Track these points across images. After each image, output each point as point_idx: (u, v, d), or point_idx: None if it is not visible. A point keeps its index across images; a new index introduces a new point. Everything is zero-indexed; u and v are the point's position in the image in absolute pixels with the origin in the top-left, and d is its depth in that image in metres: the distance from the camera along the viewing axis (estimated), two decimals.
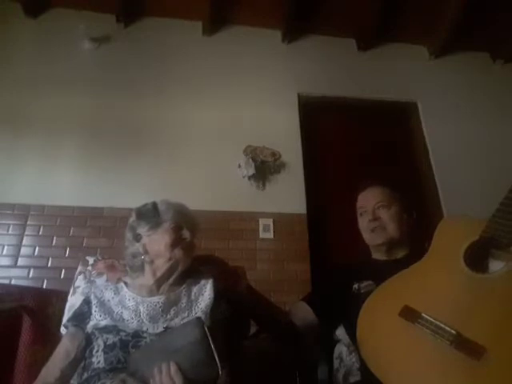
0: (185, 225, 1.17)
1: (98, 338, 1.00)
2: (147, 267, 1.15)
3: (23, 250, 2.24)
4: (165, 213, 1.17)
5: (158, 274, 1.12)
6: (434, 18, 3.05)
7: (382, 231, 1.33)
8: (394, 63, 3.20)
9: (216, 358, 0.85)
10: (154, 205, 1.19)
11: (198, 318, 0.96)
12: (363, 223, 1.40)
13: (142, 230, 1.17)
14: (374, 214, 1.35)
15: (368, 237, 1.38)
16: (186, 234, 1.16)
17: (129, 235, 1.19)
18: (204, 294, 1.12)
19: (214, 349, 0.85)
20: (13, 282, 2.15)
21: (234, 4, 2.95)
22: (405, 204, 1.39)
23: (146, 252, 1.15)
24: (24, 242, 2.26)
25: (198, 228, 1.23)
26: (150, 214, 1.18)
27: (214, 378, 0.85)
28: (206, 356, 0.85)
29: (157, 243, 1.14)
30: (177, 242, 1.13)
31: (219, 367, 0.84)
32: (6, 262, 2.21)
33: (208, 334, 0.88)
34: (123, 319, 1.03)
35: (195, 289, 1.14)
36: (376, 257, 1.39)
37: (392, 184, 1.44)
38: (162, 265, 1.12)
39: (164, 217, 1.16)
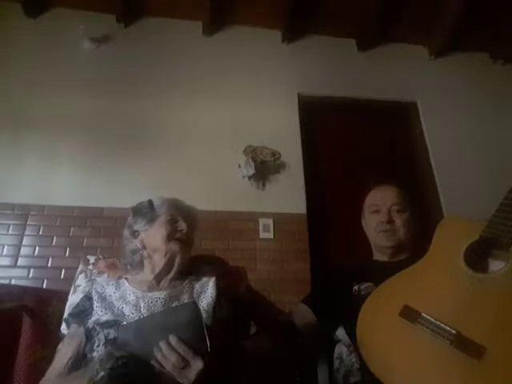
0: (181, 216, 1.19)
1: (98, 333, 1.00)
2: (146, 262, 1.16)
3: (23, 250, 2.24)
4: (160, 207, 1.20)
5: (157, 269, 1.13)
6: (433, 18, 3.05)
7: (393, 235, 1.31)
8: (394, 63, 3.20)
9: (206, 336, 0.87)
10: (150, 201, 1.22)
11: (193, 301, 0.98)
12: (372, 222, 1.36)
13: (139, 225, 1.19)
14: (389, 216, 1.31)
15: (376, 237, 1.35)
16: (182, 225, 1.17)
17: (126, 233, 1.22)
18: (206, 291, 1.12)
19: (205, 329, 0.87)
20: (13, 282, 2.15)
21: (234, 4, 2.95)
22: (415, 209, 1.36)
23: (144, 247, 1.17)
24: (24, 242, 2.26)
25: (195, 220, 1.24)
26: (145, 210, 1.20)
27: (203, 353, 0.86)
28: (198, 334, 0.88)
29: (153, 237, 1.16)
30: (173, 233, 1.15)
31: (208, 345, 0.86)
32: (5, 262, 2.21)
33: (202, 315, 0.91)
34: (124, 314, 1.04)
35: (197, 286, 1.14)
36: (378, 258, 1.38)
37: (406, 187, 1.40)
38: (159, 259, 1.14)
39: (159, 211, 1.19)
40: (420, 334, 0.85)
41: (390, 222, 1.31)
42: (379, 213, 1.34)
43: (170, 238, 1.14)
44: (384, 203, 1.35)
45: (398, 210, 1.33)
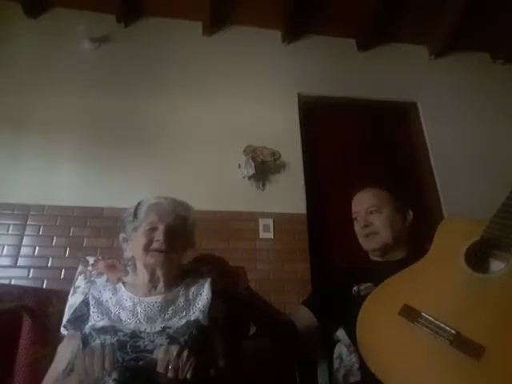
0: (162, 224, 1.14)
1: (95, 340, 0.99)
2: (139, 268, 1.16)
3: (23, 250, 2.24)
4: (142, 215, 1.17)
5: (147, 277, 1.13)
6: (433, 18, 3.05)
7: (374, 237, 1.33)
8: (394, 63, 3.20)
9: None
10: (136, 207, 1.19)
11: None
12: (357, 229, 1.40)
13: (128, 234, 1.19)
14: (365, 220, 1.35)
15: (362, 242, 1.39)
16: (159, 234, 1.12)
17: (120, 239, 1.22)
18: (202, 293, 1.12)
19: None
20: (13, 282, 2.15)
21: (234, 4, 2.95)
22: (397, 205, 1.38)
23: (133, 256, 1.18)
24: (24, 242, 2.26)
25: (181, 217, 1.19)
26: (130, 218, 1.19)
27: None
28: None
29: (135, 247, 1.15)
30: (149, 244, 1.12)
31: None
32: (5, 262, 2.20)
33: None
34: (121, 320, 1.03)
35: (193, 288, 1.14)
36: (374, 258, 1.40)
37: (383, 184, 1.43)
38: (144, 270, 1.13)
39: (140, 219, 1.16)
40: (420, 334, 0.85)
41: (368, 225, 1.34)
42: (359, 219, 1.38)
43: (146, 249, 1.12)
44: (361, 209, 1.38)
45: (372, 211, 1.35)
